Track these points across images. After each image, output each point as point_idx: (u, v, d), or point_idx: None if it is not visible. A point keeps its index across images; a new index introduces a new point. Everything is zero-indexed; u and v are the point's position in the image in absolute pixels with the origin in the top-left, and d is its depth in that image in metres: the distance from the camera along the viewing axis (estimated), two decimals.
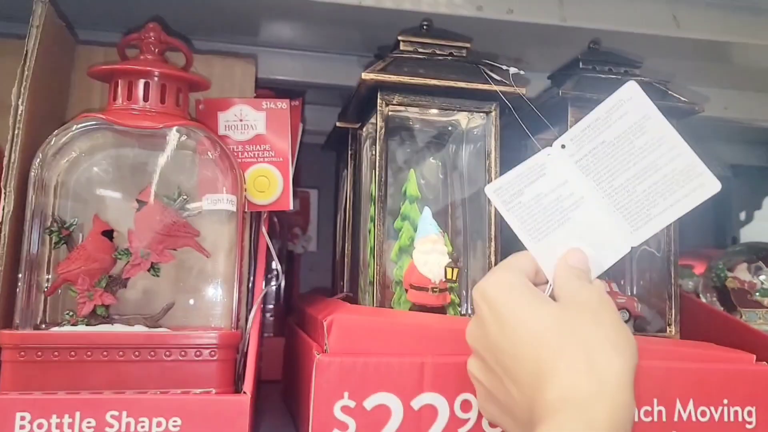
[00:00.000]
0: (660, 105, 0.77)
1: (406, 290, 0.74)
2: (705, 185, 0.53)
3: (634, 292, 0.82)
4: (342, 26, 0.90)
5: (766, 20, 0.88)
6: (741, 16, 0.88)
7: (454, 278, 0.74)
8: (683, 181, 0.53)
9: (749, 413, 0.67)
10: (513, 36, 0.89)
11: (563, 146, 0.55)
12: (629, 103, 0.54)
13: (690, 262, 1.21)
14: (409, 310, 0.74)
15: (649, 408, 0.65)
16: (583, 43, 0.85)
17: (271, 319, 1.18)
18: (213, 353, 0.65)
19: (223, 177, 0.72)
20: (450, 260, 0.74)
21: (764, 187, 1.53)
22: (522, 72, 0.72)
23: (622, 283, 0.83)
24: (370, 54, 1.02)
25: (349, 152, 0.91)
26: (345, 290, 0.91)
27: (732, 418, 0.67)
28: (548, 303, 0.49)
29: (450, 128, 0.82)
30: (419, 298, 0.73)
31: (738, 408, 0.67)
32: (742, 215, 1.60)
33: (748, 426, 0.67)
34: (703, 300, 1.10)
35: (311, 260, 1.32)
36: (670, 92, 0.79)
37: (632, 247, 0.55)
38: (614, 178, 0.54)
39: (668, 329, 0.76)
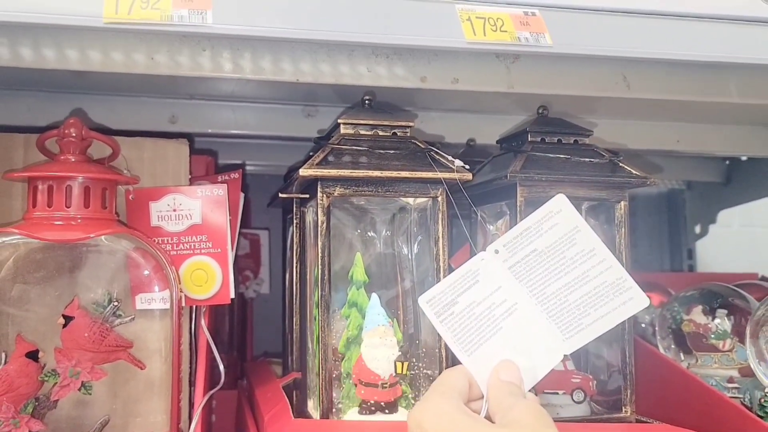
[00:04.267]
0: (611, 180, 0.77)
1: (355, 385, 0.72)
2: (633, 300, 0.54)
3: (588, 370, 0.80)
4: (281, 89, 0.86)
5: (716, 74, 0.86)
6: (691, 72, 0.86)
7: (405, 372, 0.72)
8: (612, 294, 0.54)
9: None
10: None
11: (497, 251, 0.56)
12: (559, 215, 0.56)
13: (648, 293, 1.20)
14: (360, 405, 0.71)
15: None
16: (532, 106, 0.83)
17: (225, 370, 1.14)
18: None
19: (155, 277, 0.68)
20: (400, 353, 0.71)
21: (719, 200, 1.53)
22: (467, 167, 0.68)
23: None
24: (315, 103, 0.98)
25: (295, 220, 0.87)
26: (293, 365, 0.88)
27: None
28: (486, 430, 0.48)
29: (396, 205, 0.79)
30: (369, 394, 0.70)
31: None
32: (698, 228, 1.61)
33: None
34: (659, 338, 1.10)
35: (264, 303, 1.28)
36: (620, 165, 0.76)
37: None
38: (547, 286, 0.55)
39: (624, 409, 0.75)
